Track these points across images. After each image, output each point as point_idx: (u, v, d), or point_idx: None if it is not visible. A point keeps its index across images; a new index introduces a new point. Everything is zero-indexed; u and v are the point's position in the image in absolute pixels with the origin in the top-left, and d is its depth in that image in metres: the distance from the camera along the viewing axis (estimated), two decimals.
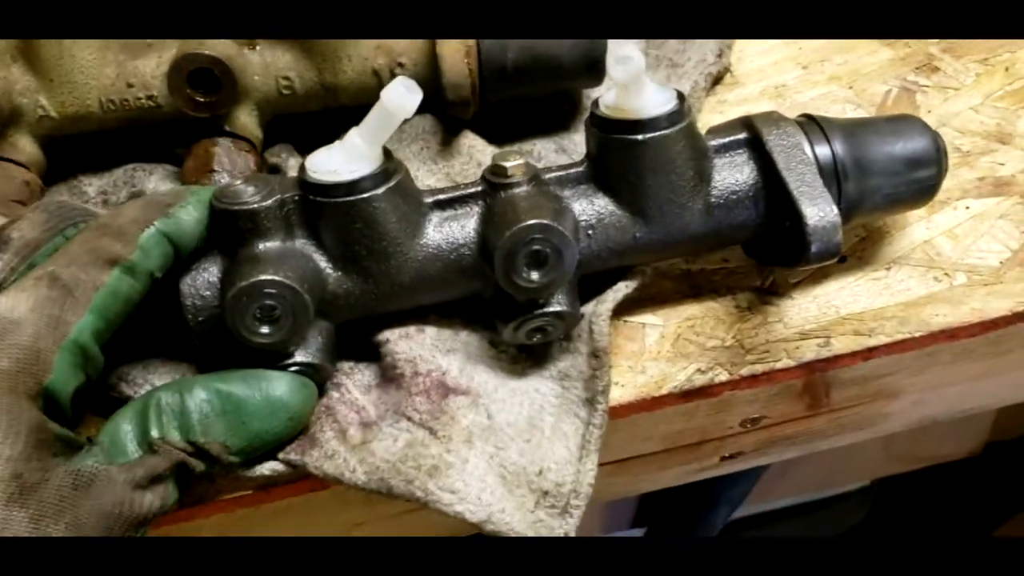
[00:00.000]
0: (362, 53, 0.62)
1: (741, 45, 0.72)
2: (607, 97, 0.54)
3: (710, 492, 1.15)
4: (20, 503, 0.42)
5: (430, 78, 0.62)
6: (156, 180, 0.64)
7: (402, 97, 0.50)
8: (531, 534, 0.53)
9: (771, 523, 1.40)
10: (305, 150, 0.65)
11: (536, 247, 0.51)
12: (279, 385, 0.52)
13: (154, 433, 0.49)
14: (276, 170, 0.65)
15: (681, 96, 0.54)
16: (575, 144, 0.66)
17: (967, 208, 0.63)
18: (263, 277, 0.50)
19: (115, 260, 0.48)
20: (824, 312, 0.59)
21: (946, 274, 0.60)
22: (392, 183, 0.52)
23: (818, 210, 0.52)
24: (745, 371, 0.57)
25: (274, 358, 0.53)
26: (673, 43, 0.70)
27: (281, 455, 0.53)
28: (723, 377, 0.57)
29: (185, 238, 0.52)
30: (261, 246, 0.53)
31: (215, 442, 0.50)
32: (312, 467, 0.53)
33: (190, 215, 0.52)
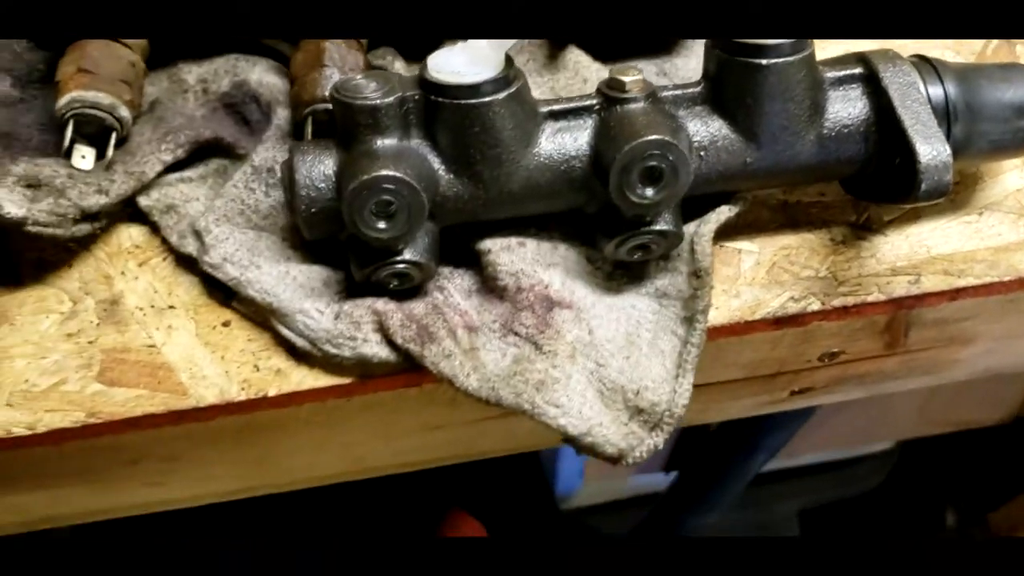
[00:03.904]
0: None
1: None
2: None
3: (751, 438, 1.17)
4: None
5: None
6: (260, 71, 0.64)
7: None
8: (623, 445, 0.54)
9: (792, 479, 1.43)
10: (407, 55, 0.65)
11: (653, 163, 0.51)
12: None
13: None
14: None
15: None
16: (676, 68, 0.66)
17: None
18: (384, 172, 0.50)
19: None
20: (916, 251, 0.60)
21: None
22: (512, 89, 0.53)
23: (931, 148, 0.53)
24: (837, 302, 0.58)
25: (382, 254, 0.54)
26: None
27: (400, 341, 0.54)
28: (815, 306, 0.58)
29: None
30: (379, 142, 0.53)
31: None
32: (429, 362, 0.54)
33: None
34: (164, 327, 0.58)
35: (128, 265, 0.60)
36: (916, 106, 0.54)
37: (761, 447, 1.17)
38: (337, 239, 0.56)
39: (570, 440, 0.55)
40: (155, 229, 0.60)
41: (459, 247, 0.59)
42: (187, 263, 0.59)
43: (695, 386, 0.57)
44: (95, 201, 0.57)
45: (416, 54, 0.66)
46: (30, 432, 0.54)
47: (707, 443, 1.27)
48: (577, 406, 0.54)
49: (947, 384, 1.28)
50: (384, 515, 1.43)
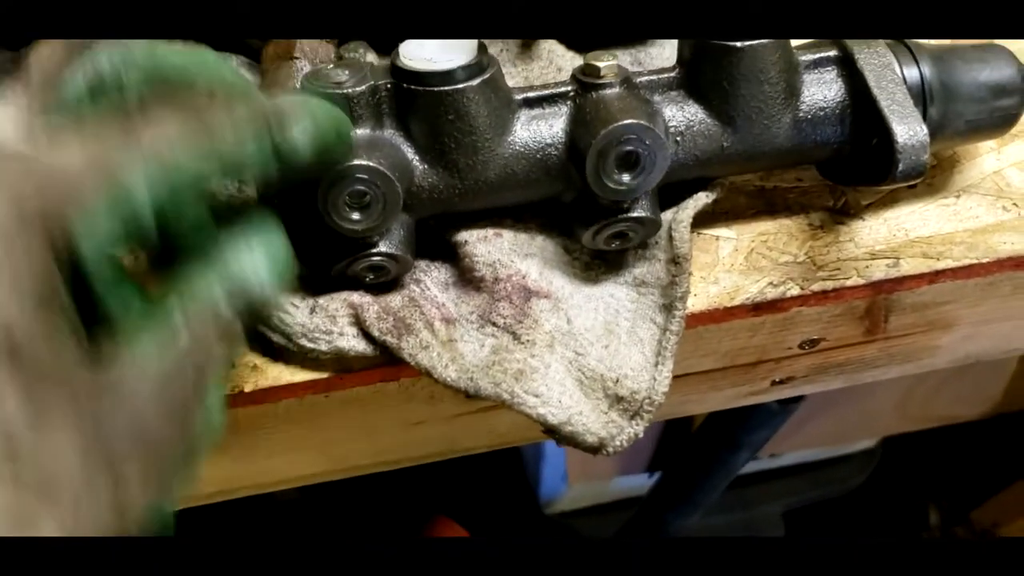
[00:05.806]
0: None
1: None
2: None
3: (733, 434, 1.16)
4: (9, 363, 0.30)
5: None
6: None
7: None
8: (603, 434, 0.54)
9: (776, 480, 1.43)
10: (378, 48, 0.65)
11: (629, 148, 0.51)
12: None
13: None
14: None
15: None
16: (651, 58, 0.66)
17: None
18: (357, 162, 0.50)
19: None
20: (894, 234, 0.60)
21: (1015, 204, 0.61)
22: (486, 76, 0.52)
23: (908, 128, 0.53)
24: (816, 287, 0.58)
25: (358, 247, 0.53)
26: None
27: (377, 333, 0.53)
28: (794, 291, 0.58)
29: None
30: (352, 132, 0.52)
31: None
32: (407, 354, 0.53)
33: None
34: None
35: None
36: (892, 87, 0.54)
37: (744, 444, 1.16)
38: (312, 238, 0.55)
39: (550, 430, 0.54)
40: None
41: (435, 241, 0.58)
42: None
43: (675, 377, 0.57)
44: None
45: (388, 48, 0.65)
46: None
47: (690, 442, 1.27)
48: (556, 395, 0.53)
49: (928, 379, 1.29)
50: (368, 522, 1.42)
